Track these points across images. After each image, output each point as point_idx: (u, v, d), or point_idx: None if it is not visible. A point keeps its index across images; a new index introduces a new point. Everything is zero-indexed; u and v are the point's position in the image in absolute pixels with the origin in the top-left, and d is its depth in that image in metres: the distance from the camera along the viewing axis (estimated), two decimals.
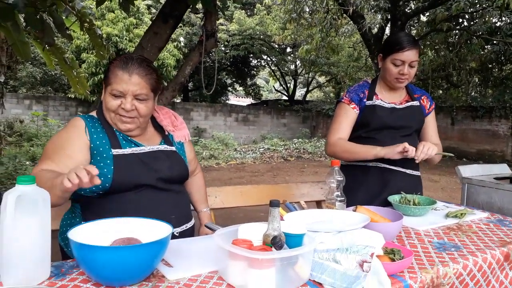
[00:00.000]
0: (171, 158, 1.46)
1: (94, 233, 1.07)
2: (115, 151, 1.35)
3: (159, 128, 1.53)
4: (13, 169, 6.21)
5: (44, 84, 15.91)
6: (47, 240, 0.99)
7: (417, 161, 1.75)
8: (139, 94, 1.34)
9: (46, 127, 11.12)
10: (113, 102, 1.34)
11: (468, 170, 2.61)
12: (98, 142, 1.35)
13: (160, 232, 1.06)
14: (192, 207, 1.67)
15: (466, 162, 10.81)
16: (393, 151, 1.74)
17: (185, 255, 1.17)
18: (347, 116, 1.94)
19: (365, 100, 1.94)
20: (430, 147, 1.73)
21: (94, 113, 1.44)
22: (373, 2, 9.70)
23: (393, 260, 1.12)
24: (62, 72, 7.96)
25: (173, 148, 1.50)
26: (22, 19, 3.76)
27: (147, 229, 1.10)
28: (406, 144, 1.70)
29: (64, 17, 4.29)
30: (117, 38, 12.44)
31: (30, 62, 14.48)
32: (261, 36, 16.54)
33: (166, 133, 1.54)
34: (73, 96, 12.82)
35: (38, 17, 3.25)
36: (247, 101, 23.77)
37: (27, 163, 6.81)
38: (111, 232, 1.09)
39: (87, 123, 1.38)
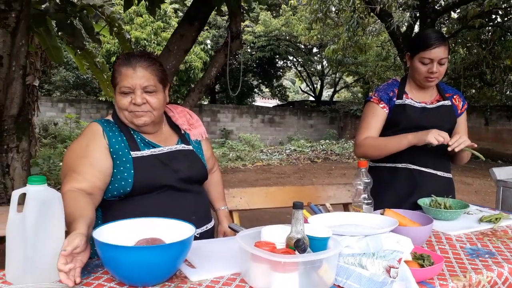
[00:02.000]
0: (190, 158, 1.46)
1: (118, 233, 1.08)
2: (134, 154, 1.34)
3: (175, 127, 1.52)
4: (47, 169, 6.44)
5: (77, 87, 16.45)
6: (60, 238, 1.00)
7: (449, 149, 1.67)
8: (147, 86, 1.33)
9: (78, 129, 11.49)
10: (124, 100, 1.34)
11: (503, 172, 2.50)
12: (117, 146, 1.34)
13: (183, 232, 1.06)
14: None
15: (502, 164, 10.38)
16: (424, 139, 1.68)
17: (208, 256, 1.17)
18: (376, 116, 1.89)
19: (394, 99, 1.89)
20: (465, 140, 1.67)
21: (110, 117, 1.44)
22: (401, 0, 9.48)
23: (422, 266, 1.08)
24: (94, 76, 8.21)
25: (190, 147, 1.50)
26: (54, 25, 3.90)
27: (170, 230, 1.10)
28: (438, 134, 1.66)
29: (94, 23, 4.42)
30: (145, 41, 12.71)
31: (63, 67, 15.00)
32: (287, 37, 16.50)
33: (182, 132, 1.53)
34: (104, 99, 13.19)
35: (68, 22, 3.36)
36: (273, 102, 23.75)
37: (61, 164, 7.06)
38: (134, 232, 1.10)
39: (104, 127, 1.37)
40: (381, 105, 1.88)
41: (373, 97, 1.92)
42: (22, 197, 0.99)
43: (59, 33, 4.04)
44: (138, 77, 1.31)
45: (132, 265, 0.94)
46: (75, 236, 0.96)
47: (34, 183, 0.96)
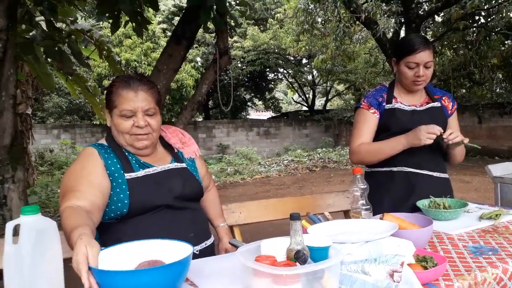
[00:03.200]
0: (184, 176, 1.46)
1: (113, 258, 1.05)
2: (128, 175, 1.35)
3: (168, 147, 1.54)
4: (46, 197, 6.39)
5: (70, 113, 16.43)
6: (58, 269, 0.98)
7: (449, 142, 1.68)
8: (148, 109, 1.35)
9: (74, 155, 11.44)
10: (126, 123, 1.35)
11: (499, 169, 2.50)
12: (113, 168, 1.35)
13: (181, 252, 1.05)
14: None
15: (499, 161, 10.41)
16: (419, 144, 1.68)
17: (210, 274, 1.15)
18: (367, 122, 1.90)
19: (384, 104, 1.90)
20: (459, 135, 1.68)
21: (103, 141, 1.44)
22: (385, 7, 9.60)
23: (426, 268, 1.07)
24: (86, 100, 8.22)
25: (184, 165, 1.50)
26: (42, 52, 3.92)
27: (169, 250, 1.09)
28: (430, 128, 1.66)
29: (83, 47, 4.44)
30: (135, 63, 12.77)
31: (55, 93, 15.00)
32: (276, 50, 16.63)
33: (176, 150, 1.54)
34: (98, 122, 13.16)
35: (56, 48, 3.37)
36: (267, 114, 23.81)
37: (59, 190, 7.00)
38: (132, 256, 1.08)
39: (99, 150, 1.38)
40: (372, 111, 1.89)
41: (363, 103, 1.92)
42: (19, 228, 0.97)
43: (49, 60, 4.06)
44: (139, 100, 1.33)
45: None
46: (94, 244, 0.96)
47: (28, 213, 0.95)
